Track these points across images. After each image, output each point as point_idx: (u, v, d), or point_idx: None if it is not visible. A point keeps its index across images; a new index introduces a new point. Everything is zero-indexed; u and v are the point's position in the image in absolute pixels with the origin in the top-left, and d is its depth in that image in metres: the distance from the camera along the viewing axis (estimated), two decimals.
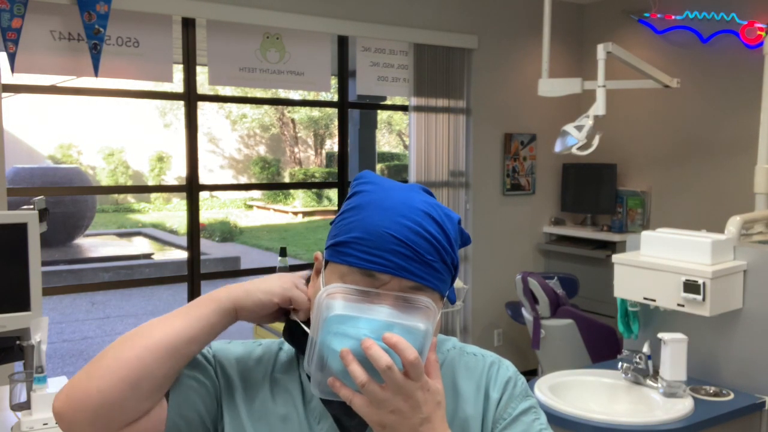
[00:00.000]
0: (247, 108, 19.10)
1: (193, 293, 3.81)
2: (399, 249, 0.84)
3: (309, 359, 0.83)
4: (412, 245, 0.84)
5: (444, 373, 0.97)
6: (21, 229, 1.94)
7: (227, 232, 14.37)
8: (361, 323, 0.80)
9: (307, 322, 0.94)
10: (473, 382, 0.97)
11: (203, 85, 4.44)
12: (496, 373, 0.97)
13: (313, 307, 0.84)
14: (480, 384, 0.96)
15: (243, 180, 19.52)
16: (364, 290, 0.84)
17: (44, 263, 2.13)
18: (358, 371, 0.77)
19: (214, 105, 18.50)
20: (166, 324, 0.87)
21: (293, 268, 3.52)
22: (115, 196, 17.86)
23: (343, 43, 4.22)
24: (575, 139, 3.37)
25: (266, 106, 19.19)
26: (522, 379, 0.99)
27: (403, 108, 4.62)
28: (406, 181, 4.56)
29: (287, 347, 1.01)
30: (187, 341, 0.86)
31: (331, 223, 0.93)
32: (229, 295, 0.91)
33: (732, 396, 2.50)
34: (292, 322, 0.96)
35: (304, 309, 0.94)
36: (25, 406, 1.89)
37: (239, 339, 1.04)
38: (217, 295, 0.91)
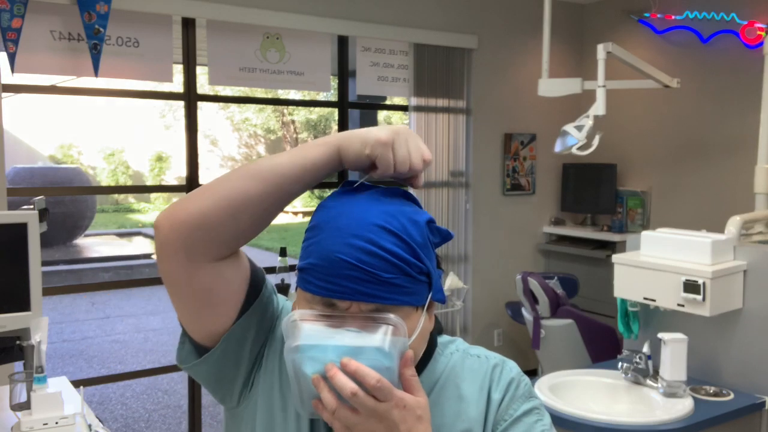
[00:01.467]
0: (249, 112, 19.06)
1: None
2: (352, 273, 0.82)
3: (291, 380, 0.83)
4: (366, 267, 0.82)
5: (447, 378, 0.97)
6: (21, 229, 1.94)
7: None
8: (328, 350, 0.80)
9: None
10: (476, 385, 0.96)
11: (203, 86, 4.44)
12: (499, 375, 0.97)
13: (283, 332, 0.84)
14: (483, 386, 0.96)
15: None
16: (329, 315, 0.84)
17: (44, 263, 2.12)
18: (328, 398, 0.78)
19: (215, 107, 18.48)
20: (272, 159, 0.88)
21: (293, 269, 3.52)
22: (115, 196, 17.86)
23: (343, 43, 4.22)
24: (575, 139, 3.37)
25: (269, 111, 19.15)
26: (526, 380, 0.99)
27: (403, 108, 4.62)
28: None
29: None
30: (291, 176, 0.87)
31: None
32: (338, 138, 0.89)
33: (732, 396, 2.50)
34: None
35: (381, 172, 0.89)
36: (25, 406, 1.89)
37: None
38: (327, 139, 0.89)
